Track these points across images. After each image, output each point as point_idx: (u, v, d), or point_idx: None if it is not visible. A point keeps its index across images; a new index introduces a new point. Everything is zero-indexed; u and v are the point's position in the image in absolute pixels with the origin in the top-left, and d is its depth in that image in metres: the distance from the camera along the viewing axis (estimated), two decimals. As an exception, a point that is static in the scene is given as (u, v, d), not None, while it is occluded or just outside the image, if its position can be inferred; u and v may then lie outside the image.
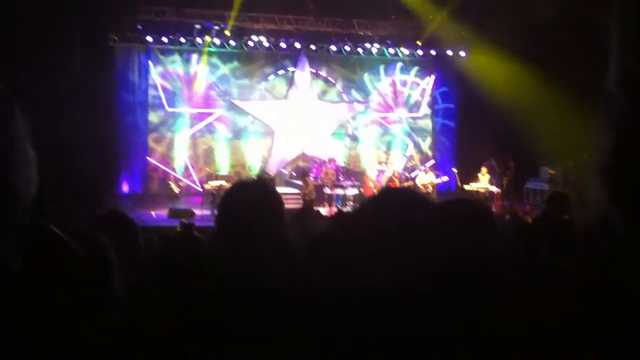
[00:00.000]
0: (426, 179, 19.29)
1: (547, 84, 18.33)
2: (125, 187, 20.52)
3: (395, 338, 1.38)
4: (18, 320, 0.84)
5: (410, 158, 23.70)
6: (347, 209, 16.78)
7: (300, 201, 16.91)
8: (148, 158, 21.00)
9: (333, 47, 22.15)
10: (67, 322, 1.23)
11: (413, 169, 22.95)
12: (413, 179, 20.86)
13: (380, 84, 23.50)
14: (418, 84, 23.83)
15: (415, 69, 23.68)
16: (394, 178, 19.00)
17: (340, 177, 19.88)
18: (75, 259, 1.29)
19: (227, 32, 20.72)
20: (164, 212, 16.91)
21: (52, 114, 14.08)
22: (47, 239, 1.30)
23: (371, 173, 20.10)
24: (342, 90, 23.15)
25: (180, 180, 20.63)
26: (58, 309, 1.21)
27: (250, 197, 2.18)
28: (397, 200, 1.54)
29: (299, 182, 18.62)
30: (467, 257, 1.50)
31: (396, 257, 1.38)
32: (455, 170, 20.76)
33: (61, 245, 1.34)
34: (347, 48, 22.26)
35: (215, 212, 2.30)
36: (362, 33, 22.24)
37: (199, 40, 20.75)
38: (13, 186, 0.65)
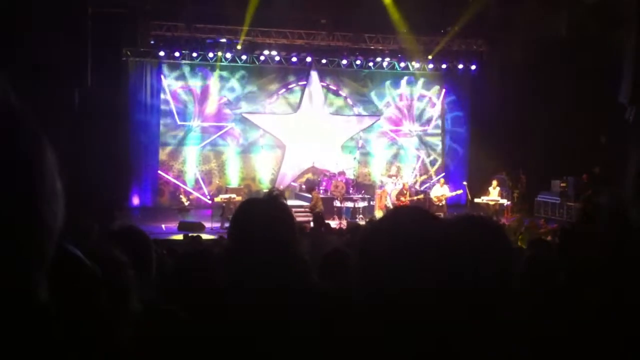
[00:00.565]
0: (440, 192, 19.28)
1: (558, 99, 18.33)
2: (135, 200, 20.62)
3: (408, 355, 1.39)
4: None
5: (421, 171, 23.68)
6: (359, 221, 16.78)
7: (309, 215, 16.92)
8: (159, 172, 21.09)
9: (344, 61, 22.25)
10: (84, 342, 1.26)
11: (423, 182, 22.94)
12: (423, 192, 20.84)
13: (391, 98, 23.53)
14: (429, 98, 23.84)
15: (426, 83, 23.70)
16: (404, 191, 18.98)
17: (350, 190, 19.90)
18: (92, 278, 1.32)
19: (239, 47, 20.85)
20: (174, 225, 16.96)
21: (66, 127, 14.19)
22: (65, 259, 1.33)
23: (381, 186, 20.10)
24: (352, 104, 23.20)
25: (191, 193, 20.70)
26: (76, 330, 1.24)
27: (262, 212, 2.20)
28: (408, 218, 1.55)
29: (309, 195, 18.65)
30: (479, 276, 1.50)
31: (408, 275, 1.39)
32: (465, 183, 20.73)
33: (78, 265, 1.37)
34: (358, 62, 22.35)
35: (228, 226, 2.32)
36: (373, 47, 22.31)
37: (210, 54, 20.89)
38: (43, 221, 0.69)
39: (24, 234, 0.67)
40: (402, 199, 18.43)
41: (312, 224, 12.40)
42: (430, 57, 22.50)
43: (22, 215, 0.66)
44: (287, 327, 1.96)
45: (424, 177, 23.41)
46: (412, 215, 1.53)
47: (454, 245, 1.45)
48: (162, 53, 20.51)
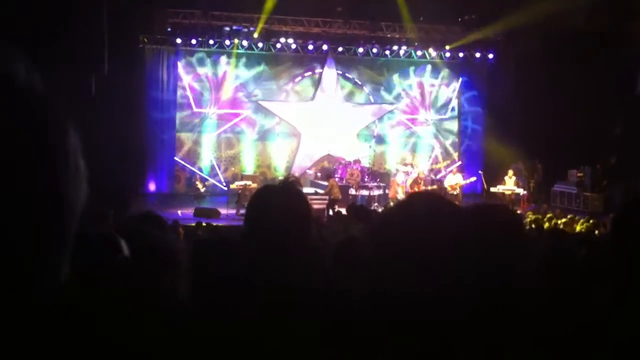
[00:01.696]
0: (454, 180, 19.23)
1: (574, 89, 18.17)
2: (152, 186, 20.73)
3: (420, 344, 1.38)
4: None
5: (436, 160, 23.61)
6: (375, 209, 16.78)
7: (325, 202, 16.97)
8: (176, 158, 21.18)
9: (360, 50, 22.18)
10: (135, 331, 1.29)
11: (439, 171, 22.86)
12: (439, 181, 20.79)
13: (407, 86, 23.43)
14: (446, 86, 23.71)
15: (443, 72, 23.56)
16: (419, 180, 18.93)
17: (365, 178, 19.90)
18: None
19: (255, 35, 20.84)
20: (189, 211, 17.06)
21: (82, 114, 14.26)
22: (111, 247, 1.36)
23: (396, 175, 20.07)
24: (368, 92, 23.13)
25: (206, 180, 20.78)
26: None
27: (277, 199, 2.21)
28: (424, 204, 1.53)
29: (324, 183, 18.67)
30: (495, 266, 1.47)
31: (423, 263, 1.38)
32: (481, 172, 20.66)
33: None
34: (375, 50, 22.27)
35: (244, 213, 2.34)
36: (389, 35, 22.21)
37: (227, 42, 20.90)
38: (68, 200, 0.71)
39: (46, 212, 0.68)
40: (417, 188, 18.38)
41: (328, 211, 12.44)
42: (448, 47, 22.39)
43: (45, 193, 0.68)
44: (297, 314, 1.97)
45: (439, 165, 23.32)
46: (428, 201, 1.52)
47: (471, 232, 1.43)
48: (178, 40, 20.54)
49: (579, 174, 19.52)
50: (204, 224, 11.98)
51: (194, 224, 12.17)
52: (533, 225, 11.13)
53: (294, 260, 2.10)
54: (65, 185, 0.70)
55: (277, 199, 2.21)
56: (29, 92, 0.68)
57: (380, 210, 16.10)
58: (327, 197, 17.20)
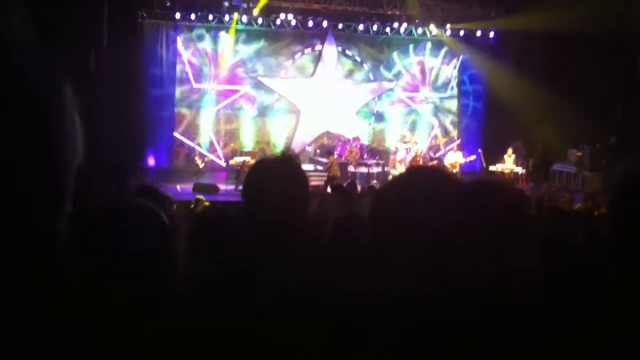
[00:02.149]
0: (453, 158, 19.25)
1: (575, 69, 18.12)
2: (151, 162, 20.72)
3: (419, 322, 1.37)
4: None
5: (435, 138, 23.59)
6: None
7: (325, 179, 16.97)
8: (175, 134, 21.14)
9: (361, 27, 22.04)
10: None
11: (438, 149, 22.85)
12: (438, 159, 20.80)
13: (408, 64, 23.33)
14: (446, 64, 23.60)
15: (443, 49, 23.44)
16: (417, 158, 18.95)
17: (364, 156, 19.89)
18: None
19: (255, 11, 20.68)
20: (188, 187, 17.06)
21: (81, 87, 14.18)
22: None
23: (396, 153, 20.06)
24: (368, 70, 23.03)
25: (205, 156, 20.76)
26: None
27: (274, 172, 2.20)
28: (424, 178, 1.50)
29: (324, 160, 18.67)
30: (499, 243, 1.44)
31: (422, 236, 1.36)
32: (480, 150, 20.65)
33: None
34: (375, 27, 22.13)
35: (242, 187, 2.33)
36: (390, 12, 22.06)
37: (226, 17, 20.75)
38: (62, 152, 0.70)
39: (43, 168, 0.68)
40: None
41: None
42: (449, 25, 22.26)
43: (41, 150, 0.67)
44: (296, 287, 1.98)
45: (438, 141, 23.31)
46: (427, 173, 1.50)
47: (471, 205, 1.40)
48: (177, 15, 20.37)
49: (578, 154, 19.51)
50: (203, 200, 11.98)
51: (192, 200, 12.16)
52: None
53: (292, 234, 2.10)
54: (59, 135, 0.69)
55: (274, 172, 2.20)
56: (22, 40, 0.67)
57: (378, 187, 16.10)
58: (326, 173, 17.21)
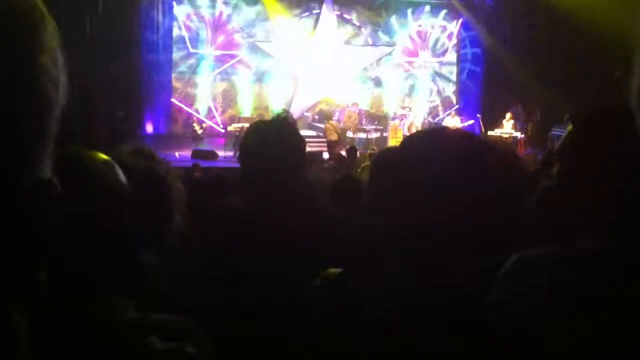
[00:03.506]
0: (452, 123, 19.22)
1: (574, 34, 17.96)
2: (149, 128, 20.64)
3: (417, 282, 1.38)
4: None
5: (434, 103, 23.48)
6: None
7: (323, 144, 16.98)
8: (172, 100, 21.04)
9: (359, -11, 21.81)
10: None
11: (437, 114, 22.77)
12: (437, 124, 20.74)
13: (406, 28, 23.11)
14: (445, 28, 23.38)
15: (442, 13, 23.20)
16: (416, 123, 18.93)
17: (363, 121, 19.84)
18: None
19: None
20: (187, 153, 17.05)
21: (77, 55, 14.10)
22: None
23: (395, 119, 20.02)
24: (367, 34, 22.83)
25: (203, 122, 20.69)
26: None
27: (270, 134, 2.19)
28: (424, 139, 1.49)
29: (322, 126, 18.62)
30: (496, 200, 1.42)
31: (423, 197, 1.35)
32: (479, 115, 20.60)
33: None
34: (373, -10, 21.90)
35: (238, 152, 2.32)
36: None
37: (223, -19, 20.52)
38: (45, 91, 0.68)
39: (25, 105, 0.67)
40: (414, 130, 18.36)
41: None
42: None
43: (22, 85, 0.66)
44: (296, 249, 1.99)
45: (437, 107, 23.23)
46: (427, 136, 1.50)
47: (471, 163, 1.38)
48: (174, -21, 20.15)
49: (576, 117, 19.42)
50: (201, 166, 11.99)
51: (191, 167, 12.16)
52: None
53: (291, 195, 2.10)
54: (40, 72, 0.67)
55: (270, 134, 2.19)
56: None
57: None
58: (324, 139, 17.19)
